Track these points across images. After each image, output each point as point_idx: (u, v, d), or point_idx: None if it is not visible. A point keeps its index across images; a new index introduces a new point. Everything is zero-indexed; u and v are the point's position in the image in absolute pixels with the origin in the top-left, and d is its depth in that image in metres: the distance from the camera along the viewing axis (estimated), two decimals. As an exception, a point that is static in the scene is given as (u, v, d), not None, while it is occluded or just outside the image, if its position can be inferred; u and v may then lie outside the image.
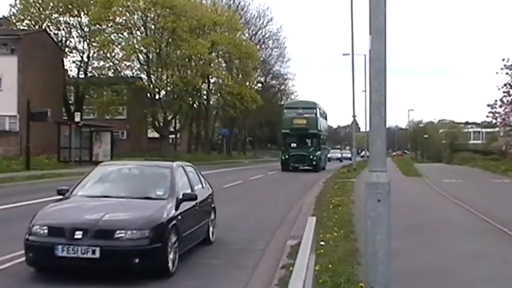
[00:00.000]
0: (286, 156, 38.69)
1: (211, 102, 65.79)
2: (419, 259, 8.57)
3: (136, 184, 9.12)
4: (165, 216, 7.79)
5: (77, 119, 35.41)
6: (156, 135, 56.51)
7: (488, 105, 37.99)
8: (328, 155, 55.40)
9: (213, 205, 10.60)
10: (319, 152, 39.39)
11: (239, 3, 68.14)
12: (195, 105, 59.99)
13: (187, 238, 8.48)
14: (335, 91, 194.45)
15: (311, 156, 38.37)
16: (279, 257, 8.70)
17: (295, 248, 8.31)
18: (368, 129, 6.28)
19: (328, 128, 53.47)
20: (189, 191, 9.01)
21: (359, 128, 65.72)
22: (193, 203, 8.79)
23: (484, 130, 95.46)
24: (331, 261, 7.75)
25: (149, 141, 61.93)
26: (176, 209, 8.16)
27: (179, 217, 8.08)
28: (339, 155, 76.75)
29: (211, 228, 10.20)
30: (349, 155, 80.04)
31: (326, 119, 47.10)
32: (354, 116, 42.44)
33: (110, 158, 38.34)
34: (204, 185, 10.36)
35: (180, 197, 8.44)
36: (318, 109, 40.60)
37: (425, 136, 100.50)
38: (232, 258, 9.18)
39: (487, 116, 40.24)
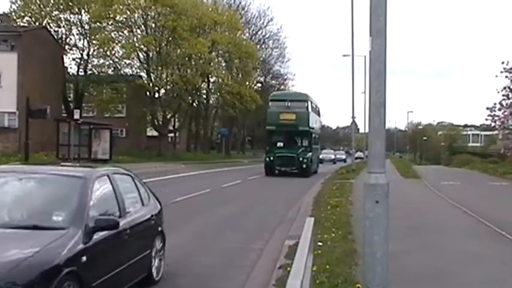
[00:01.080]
0: (271, 158, 33.01)
1: (210, 102, 65.83)
2: (417, 261, 8.58)
3: (24, 204, 5.94)
4: (61, 256, 4.92)
5: (76, 116, 35.44)
6: (155, 133, 56.49)
7: (487, 108, 37.99)
8: (320, 156, 50.13)
9: (159, 229, 7.53)
10: (310, 154, 33.89)
11: (240, 2, 68.29)
12: (194, 104, 60.00)
13: (105, 287, 5.66)
14: (335, 92, 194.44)
15: (300, 158, 32.79)
16: (276, 257, 8.71)
17: (293, 248, 8.31)
18: (367, 130, 6.28)
19: (321, 126, 47.07)
20: (115, 212, 6.23)
21: (358, 129, 65.74)
22: (118, 230, 5.90)
23: (482, 133, 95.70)
24: (329, 262, 7.75)
25: (148, 140, 61.99)
26: (85, 243, 5.30)
27: (84, 258, 5.19)
28: (332, 156, 71.76)
29: (155, 262, 7.25)
30: (344, 156, 76.58)
31: (319, 114, 41.39)
32: (353, 117, 42.41)
33: (109, 155, 38.45)
34: (146, 202, 7.33)
35: (92, 224, 5.50)
36: (309, 102, 34.99)
37: (424, 138, 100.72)
38: (230, 258, 9.18)
39: (486, 119, 40.21)
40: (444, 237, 10.92)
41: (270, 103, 36.49)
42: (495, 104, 37.50)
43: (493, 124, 41.39)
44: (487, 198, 20.84)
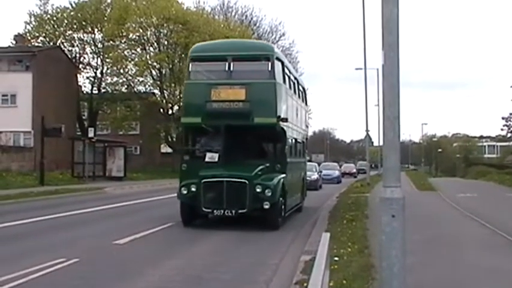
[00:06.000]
0: (193, 189, 14.04)
1: (223, 117, 65.86)
2: (433, 275, 8.47)
3: None
4: None
5: (91, 134, 35.70)
6: (169, 150, 56.69)
7: (503, 118, 37.90)
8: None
9: None
10: (279, 177, 14.57)
11: (251, 18, 68.47)
12: (207, 120, 60.09)
13: None
14: (348, 105, 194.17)
15: (258, 188, 13.80)
16: (293, 272, 8.64)
17: (309, 264, 8.25)
18: (381, 143, 6.24)
19: (308, 121, 24.88)
20: None
21: (372, 142, 65.40)
22: None
23: (498, 144, 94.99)
24: (346, 277, 7.67)
25: (162, 156, 62.21)
26: None
27: None
28: (315, 176, 33.55)
29: None
30: (336, 173, 48.29)
31: (305, 98, 21.39)
32: (367, 130, 42.15)
33: (123, 173, 38.60)
34: None
35: None
36: (277, 63, 15.31)
37: (439, 150, 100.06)
38: (246, 273, 9.12)
39: (502, 129, 40.13)
40: (461, 250, 10.79)
41: (189, 66, 15.95)
42: (510, 114, 37.41)
43: (509, 134, 41.24)
44: (505, 210, 20.59)
